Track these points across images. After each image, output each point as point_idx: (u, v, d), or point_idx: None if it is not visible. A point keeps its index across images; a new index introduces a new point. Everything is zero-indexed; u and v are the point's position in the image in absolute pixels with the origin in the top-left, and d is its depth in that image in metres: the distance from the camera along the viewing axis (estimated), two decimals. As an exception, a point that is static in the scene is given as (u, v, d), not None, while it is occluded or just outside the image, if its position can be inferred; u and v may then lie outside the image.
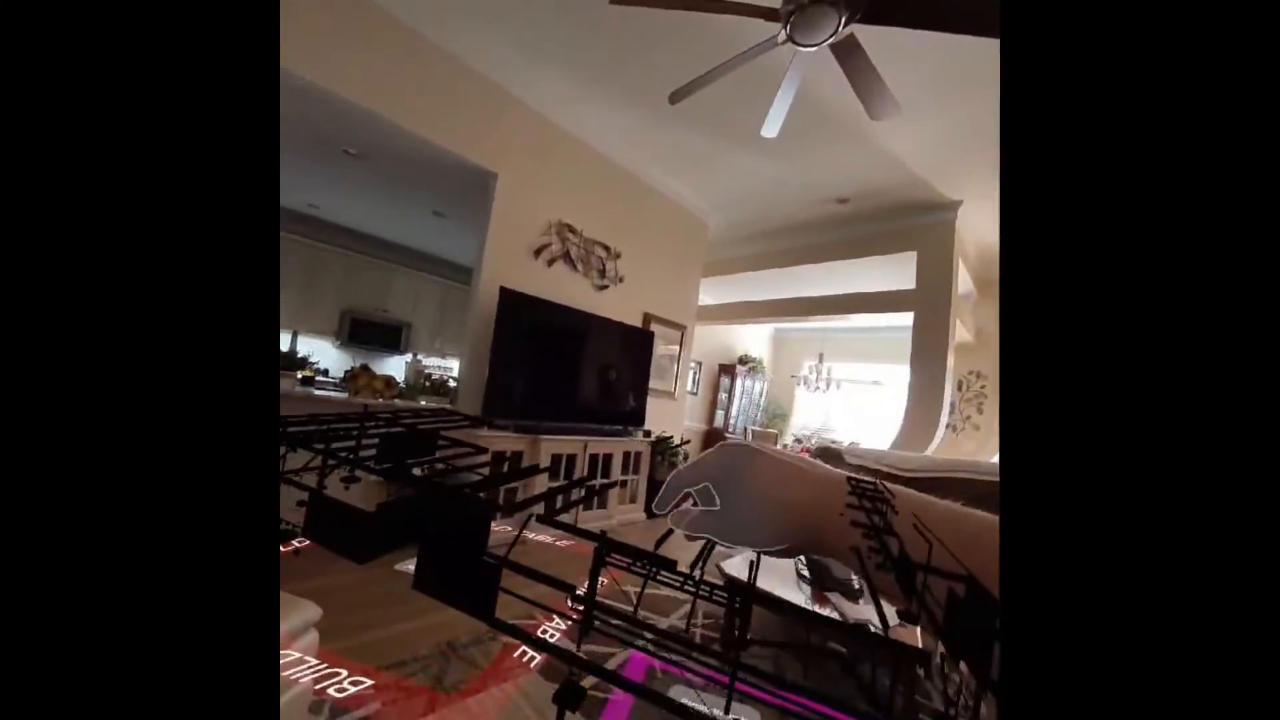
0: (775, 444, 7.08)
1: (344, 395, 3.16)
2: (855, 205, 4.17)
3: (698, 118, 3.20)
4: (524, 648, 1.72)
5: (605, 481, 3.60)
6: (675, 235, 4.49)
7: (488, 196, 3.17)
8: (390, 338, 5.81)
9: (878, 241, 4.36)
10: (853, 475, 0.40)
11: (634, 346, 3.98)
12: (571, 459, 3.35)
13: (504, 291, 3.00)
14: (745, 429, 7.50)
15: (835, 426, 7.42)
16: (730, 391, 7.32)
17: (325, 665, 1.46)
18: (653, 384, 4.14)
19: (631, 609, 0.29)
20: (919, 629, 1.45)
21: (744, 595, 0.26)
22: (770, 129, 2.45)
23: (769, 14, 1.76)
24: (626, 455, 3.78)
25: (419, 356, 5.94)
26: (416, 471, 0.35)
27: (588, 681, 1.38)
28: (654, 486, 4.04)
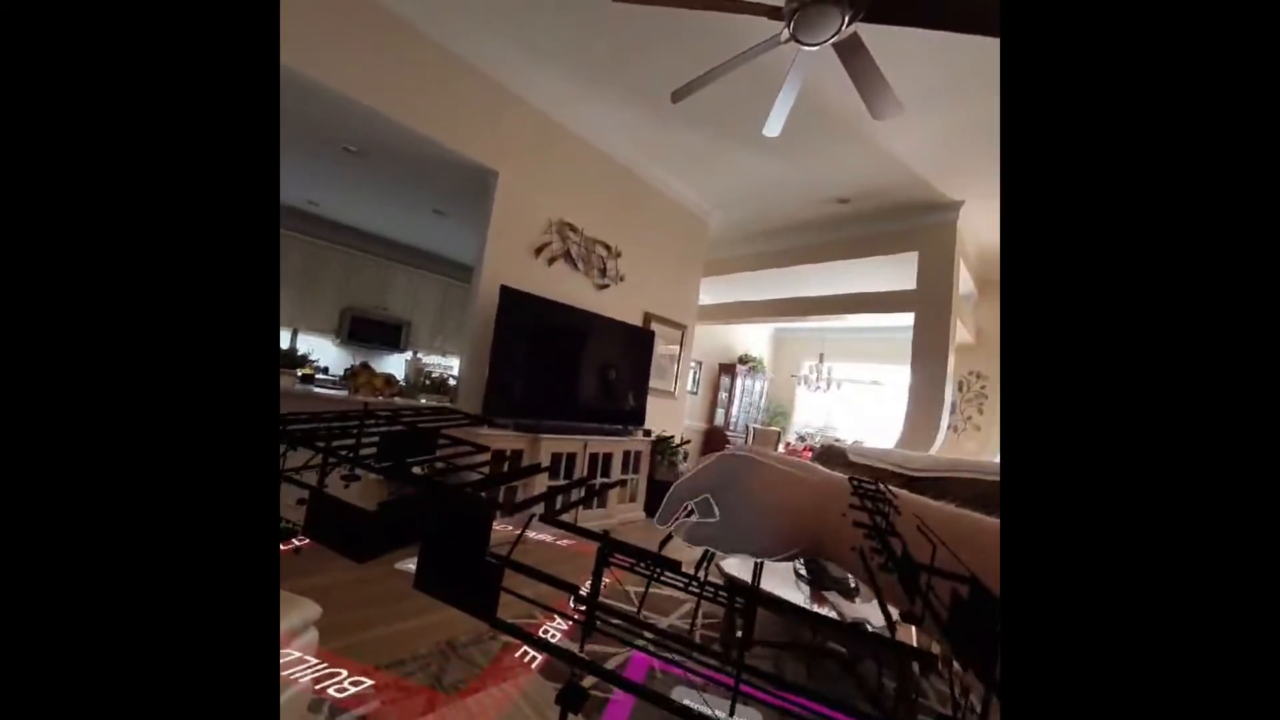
0: (778, 443, 7.08)
1: (344, 393, 3.16)
2: (856, 205, 4.16)
3: (699, 117, 3.20)
4: (524, 647, 1.72)
5: (606, 481, 3.59)
6: (676, 234, 4.49)
7: (488, 195, 3.17)
8: (390, 336, 5.81)
9: (879, 241, 4.36)
10: (855, 477, 0.40)
11: (634, 345, 3.98)
12: (571, 458, 3.35)
13: (504, 290, 3.00)
14: (747, 427, 7.50)
15: (837, 426, 7.43)
16: (731, 391, 7.33)
17: (325, 664, 1.46)
18: (653, 383, 4.14)
19: (631, 608, 0.28)
20: (914, 629, 1.45)
21: (749, 598, 0.26)
22: (772, 128, 2.44)
23: (772, 12, 1.76)
24: (626, 454, 3.78)
25: (419, 354, 5.93)
26: (417, 470, 0.35)
27: (588, 681, 1.38)
28: (654, 486, 4.04)
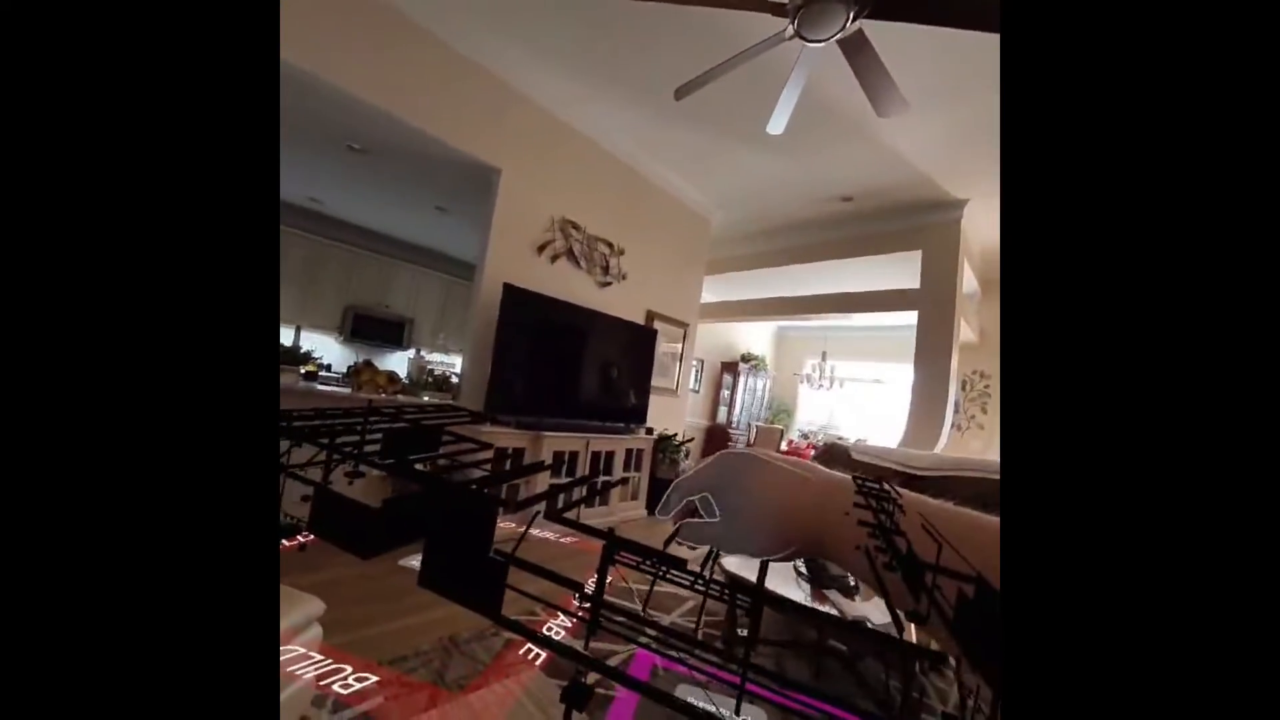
0: (781, 440, 7.08)
1: (347, 390, 3.17)
2: (860, 203, 4.15)
3: (702, 114, 3.19)
4: (527, 644, 1.73)
5: (608, 479, 3.60)
6: (679, 232, 4.48)
7: (491, 192, 3.17)
8: (393, 333, 5.82)
9: (882, 240, 4.34)
10: (858, 476, 0.40)
11: (636, 344, 3.98)
12: (574, 456, 3.35)
13: (507, 288, 3.00)
14: (749, 425, 7.49)
15: (839, 424, 7.42)
16: (733, 389, 7.32)
17: (328, 660, 1.46)
18: (655, 381, 4.14)
19: (633, 606, 0.28)
20: (913, 627, 1.45)
21: (755, 597, 0.26)
22: (776, 126, 2.43)
23: (777, 9, 1.75)
24: (628, 453, 3.78)
25: (421, 352, 5.94)
26: (420, 467, 0.35)
27: (592, 679, 1.39)
28: (656, 484, 4.04)
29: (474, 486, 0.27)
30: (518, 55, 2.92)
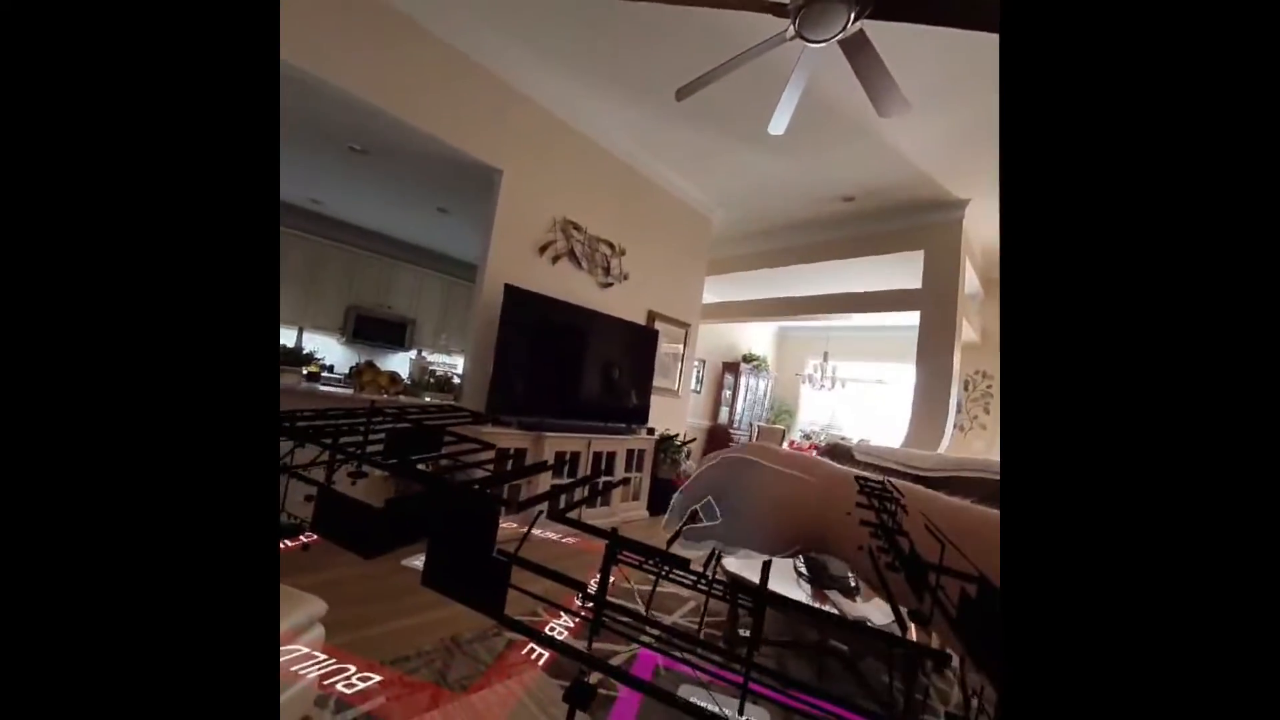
0: (782, 440, 7.06)
1: (349, 391, 3.17)
2: (861, 203, 4.14)
3: (704, 114, 3.19)
4: (530, 644, 1.73)
5: (609, 479, 3.60)
6: (680, 232, 4.48)
7: (492, 193, 3.17)
8: (395, 334, 5.83)
9: (884, 240, 4.33)
10: (860, 475, 0.40)
11: (638, 344, 3.98)
12: (575, 456, 3.35)
13: (508, 288, 3.00)
14: (751, 425, 7.49)
15: (841, 425, 7.41)
16: (734, 389, 7.31)
17: (331, 660, 1.46)
18: (656, 381, 4.14)
19: (637, 606, 0.28)
20: (914, 626, 1.45)
21: (758, 597, 0.26)
22: (777, 126, 2.43)
23: (778, 9, 1.75)
24: (630, 453, 3.78)
25: (423, 353, 5.95)
26: (423, 467, 0.35)
27: (594, 678, 1.38)
28: (657, 484, 4.04)
29: (476, 487, 0.27)
30: (519, 55, 2.93)
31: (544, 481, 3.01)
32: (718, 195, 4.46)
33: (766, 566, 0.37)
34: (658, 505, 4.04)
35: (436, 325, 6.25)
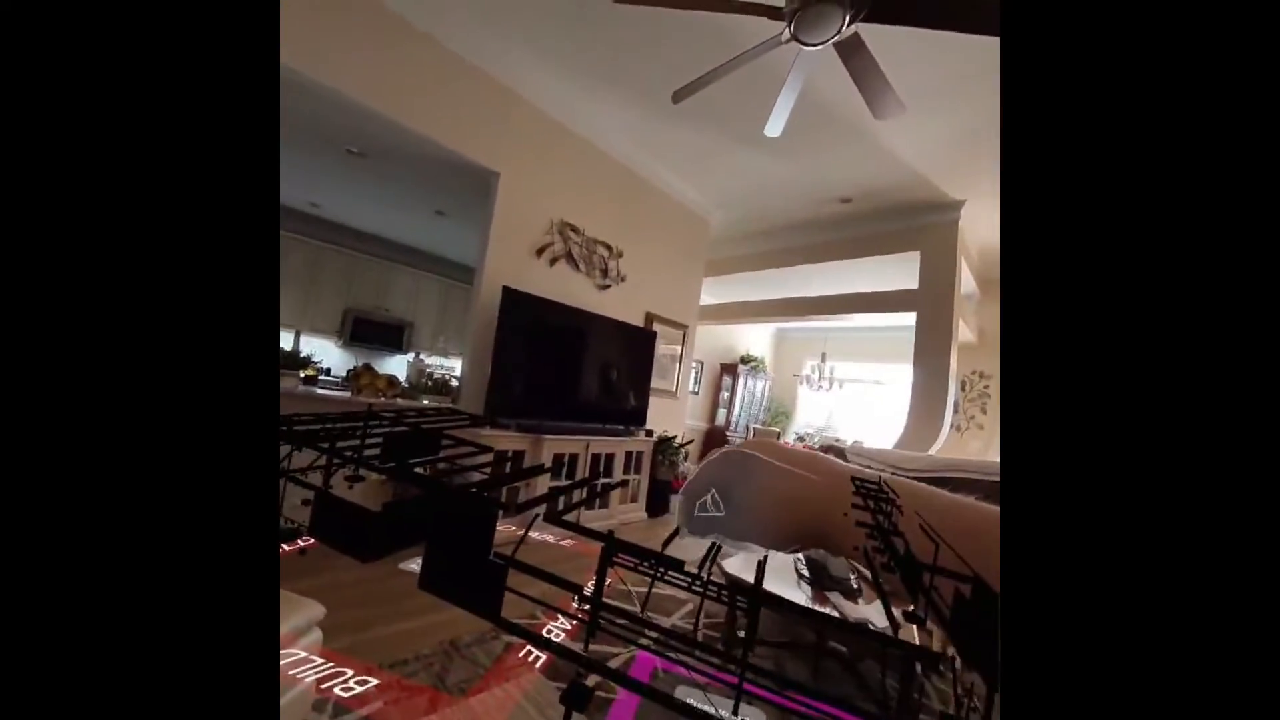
0: (778, 442, 7.05)
1: (347, 394, 3.16)
2: (858, 204, 4.16)
3: (700, 116, 3.20)
4: (527, 647, 1.72)
5: (608, 481, 3.60)
6: (677, 234, 4.49)
7: (490, 196, 3.17)
8: (392, 337, 5.82)
9: (881, 241, 4.35)
10: (856, 476, 0.40)
11: (636, 346, 3.98)
12: (574, 459, 3.35)
13: (506, 291, 3.00)
14: (747, 427, 7.49)
15: (838, 426, 7.42)
16: (732, 391, 7.32)
17: (329, 664, 1.46)
18: (654, 383, 4.14)
19: (635, 608, 0.29)
20: (915, 628, 1.46)
21: (753, 598, 0.26)
22: (773, 128, 2.44)
23: (773, 12, 1.75)
24: (628, 455, 3.78)
25: (421, 356, 5.94)
26: (420, 470, 0.35)
27: (592, 681, 1.38)
28: (656, 486, 4.04)
29: (474, 490, 0.27)
30: (516, 58, 2.93)
31: (542, 484, 3.01)
32: (715, 196, 4.47)
33: (761, 566, 0.37)
34: (656, 507, 4.04)
35: (434, 328, 6.24)
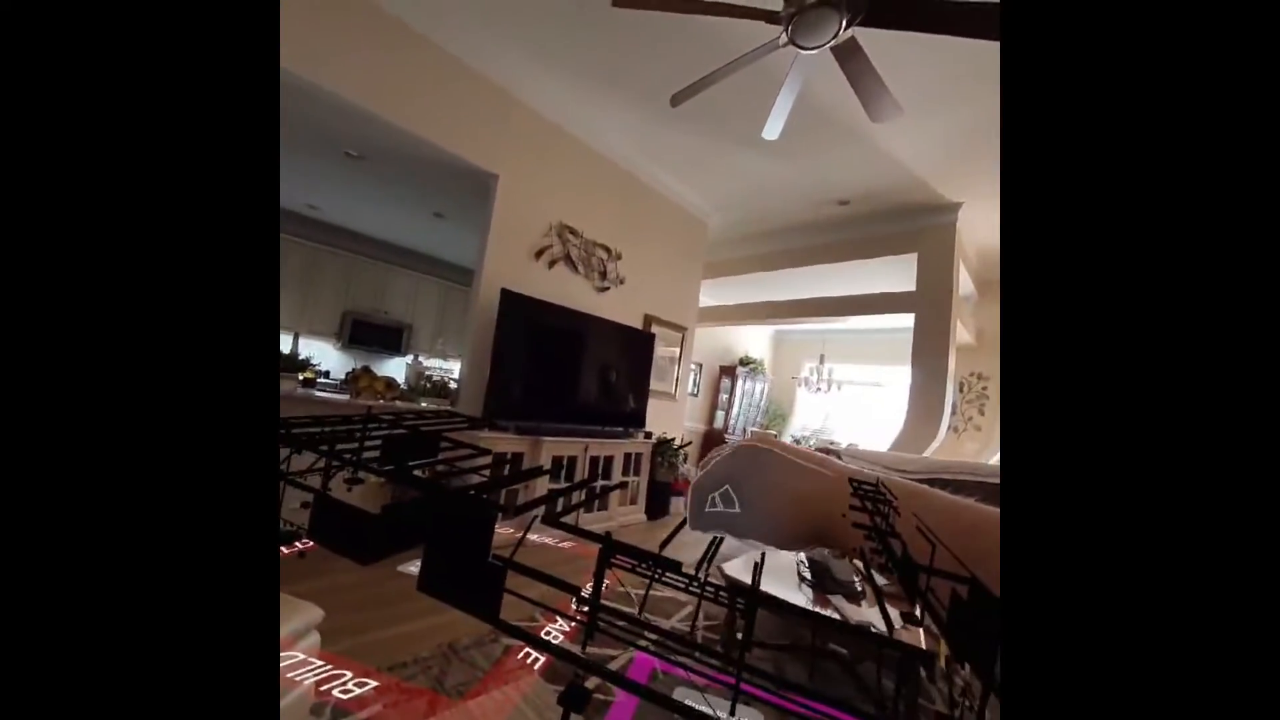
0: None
1: (345, 397, 3.16)
2: (856, 207, 4.17)
3: (699, 119, 3.21)
4: (526, 649, 1.72)
5: (606, 483, 3.59)
6: (676, 236, 4.50)
7: (488, 198, 3.18)
8: (391, 339, 5.82)
9: (878, 243, 4.36)
10: (854, 478, 0.40)
11: (635, 348, 3.98)
12: (572, 460, 3.35)
13: (505, 293, 3.00)
14: (745, 429, 7.49)
15: (836, 428, 7.42)
16: (731, 393, 7.32)
17: (328, 667, 1.46)
18: (653, 385, 4.14)
19: (634, 610, 0.29)
20: (920, 630, 1.46)
21: (749, 599, 0.26)
22: (771, 131, 2.45)
23: (770, 17, 1.76)
24: (627, 457, 3.78)
25: (420, 358, 5.94)
26: (419, 473, 0.35)
27: (591, 682, 1.38)
28: (654, 488, 4.04)
29: (472, 492, 0.27)
30: (515, 60, 2.94)
31: (541, 486, 3.01)
32: (714, 199, 4.48)
33: (758, 567, 0.37)
34: (655, 509, 4.03)
35: (433, 330, 6.23)
